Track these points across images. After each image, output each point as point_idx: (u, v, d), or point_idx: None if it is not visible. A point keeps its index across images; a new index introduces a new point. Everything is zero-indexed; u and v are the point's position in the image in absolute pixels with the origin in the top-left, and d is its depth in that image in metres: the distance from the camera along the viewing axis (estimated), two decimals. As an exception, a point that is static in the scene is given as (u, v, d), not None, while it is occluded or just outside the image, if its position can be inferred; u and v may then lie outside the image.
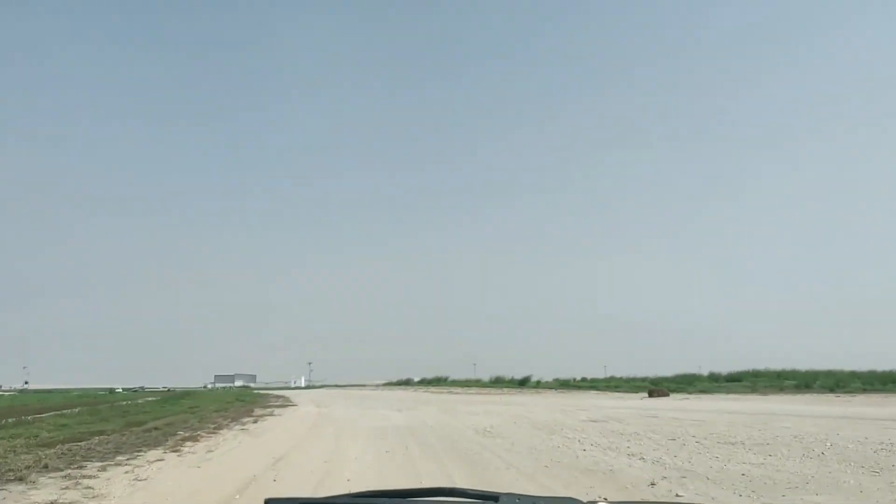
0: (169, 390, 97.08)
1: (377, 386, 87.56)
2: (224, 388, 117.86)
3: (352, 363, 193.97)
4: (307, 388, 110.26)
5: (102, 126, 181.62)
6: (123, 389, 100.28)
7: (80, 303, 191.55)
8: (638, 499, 7.35)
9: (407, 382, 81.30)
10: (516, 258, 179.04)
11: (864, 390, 32.76)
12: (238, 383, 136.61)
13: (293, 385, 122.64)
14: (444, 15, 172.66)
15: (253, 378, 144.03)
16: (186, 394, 60.59)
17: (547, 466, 9.46)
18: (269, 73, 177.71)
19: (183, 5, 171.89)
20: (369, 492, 1.80)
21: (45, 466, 9.22)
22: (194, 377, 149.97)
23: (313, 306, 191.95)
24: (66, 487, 7.73)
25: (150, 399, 43.44)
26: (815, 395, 32.19)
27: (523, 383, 59.34)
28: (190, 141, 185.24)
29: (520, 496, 1.57)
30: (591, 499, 1.85)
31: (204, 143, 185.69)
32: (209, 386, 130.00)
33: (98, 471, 9.08)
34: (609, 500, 1.84)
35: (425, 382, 74.53)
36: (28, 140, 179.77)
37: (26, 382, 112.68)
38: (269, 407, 31.15)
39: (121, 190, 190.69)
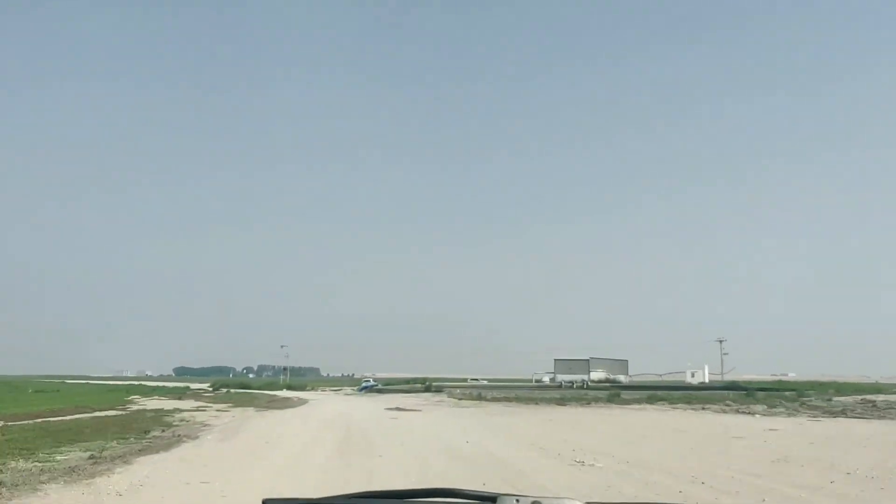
0: (408, 382, 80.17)
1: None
2: (556, 381, 74.53)
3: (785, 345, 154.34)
4: (700, 386, 67.32)
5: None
6: (364, 381, 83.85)
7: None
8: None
9: None
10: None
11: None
12: (597, 375, 79.94)
13: (691, 379, 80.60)
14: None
15: (624, 365, 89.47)
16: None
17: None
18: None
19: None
20: (367, 492, 1.81)
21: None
22: (532, 363, 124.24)
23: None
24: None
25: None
26: None
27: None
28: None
29: (518, 496, 1.54)
30: (591, 500, 1.85)
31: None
32: (544, 379, 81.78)
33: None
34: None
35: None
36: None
37: (285, 369, 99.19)
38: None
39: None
